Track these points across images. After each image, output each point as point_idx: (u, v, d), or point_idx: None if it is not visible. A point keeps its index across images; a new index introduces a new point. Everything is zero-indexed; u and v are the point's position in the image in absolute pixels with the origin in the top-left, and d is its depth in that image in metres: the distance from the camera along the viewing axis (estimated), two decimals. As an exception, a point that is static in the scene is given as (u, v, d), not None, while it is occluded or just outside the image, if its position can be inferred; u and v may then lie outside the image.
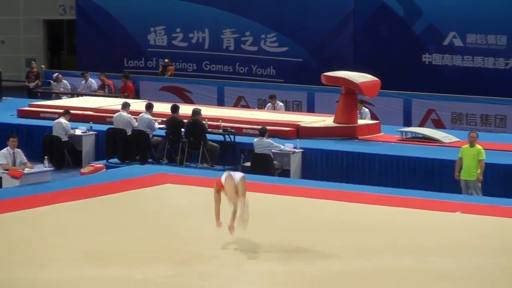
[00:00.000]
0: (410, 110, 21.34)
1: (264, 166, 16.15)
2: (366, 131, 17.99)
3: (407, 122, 20.97)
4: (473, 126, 20.48)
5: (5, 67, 25.41)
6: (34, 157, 16.40)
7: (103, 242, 11.03)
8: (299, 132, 17.84)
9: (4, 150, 14.86)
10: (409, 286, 9.64)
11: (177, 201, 13.21)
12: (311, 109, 21.96)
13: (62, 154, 17.87)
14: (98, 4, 26.28)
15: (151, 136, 17.75)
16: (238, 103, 23.02)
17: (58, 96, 23.44)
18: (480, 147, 14.83)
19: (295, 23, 24.00)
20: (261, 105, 22.17)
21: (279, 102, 20.42)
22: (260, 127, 16.91)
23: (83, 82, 23.81)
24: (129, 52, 26.02)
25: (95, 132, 18.34)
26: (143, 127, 17.74)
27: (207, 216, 12.20)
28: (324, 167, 16.54)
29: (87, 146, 18.21)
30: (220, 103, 23.00)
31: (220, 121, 17.87)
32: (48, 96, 23.62)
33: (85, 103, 20.59)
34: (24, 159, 14.95)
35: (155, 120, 17.90)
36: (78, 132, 18.25)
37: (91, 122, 18.67)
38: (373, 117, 19.95)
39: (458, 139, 17.13)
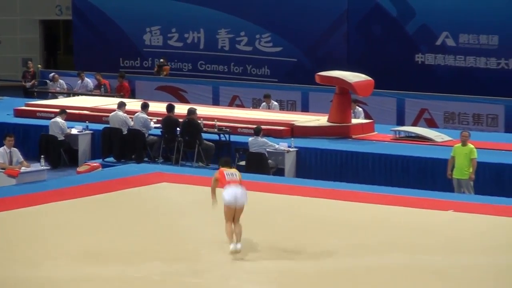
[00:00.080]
0: (403, 110, 21.36)
1: (258, 165, 16.15)
2: (360, 130, 18.00)
3: (400, 122, 20.98)
4: (465, 125, 20.51)
5: (1, 67, 25.39)
6: (30, 156, 16.38)
7: (100, 240, 11.02)
8: (294, 131, 17.85)
9: (1, 149, 14.84)
10: (402, 284, 9.66)
11: (173, 199, 13.21)
12: (305, 109, 21.96)
13: (59, 153, 17.85)
14: (94, 4, 26.25)
15: (146, 135, 17.73)
16: (233, 103, 23.01)
17: (54, 95, 23.40)
18: (472, 146, 14.85)
19: (290, 23, 23.99)
20: (255, 105, 22.16)
21: (273, 101, 20.41)
22: (255, 126, 16.91)
23: (79, 81, 23.78)
24: (125, 52, 25.99)
25: (91, 131, 18.32)
26: (139, 126, 17.72)
27: (202, 215, 12.21)
28: (318, 166, 16.54)
29: (83, 145, 18.19)
30: (215, 102, 22.98)
31: (215, 120, 17.86)
32: (45, 95, 23.58)
33: (81, 102, 20.57)
34: (21, 158, 14.93)
35: (150, 119, 17.88)
36: (74, 131, 18.23)
37: (87, 122, 18.65)
38: (367, 116, 19.96)
39: (450, 138, 17.16)
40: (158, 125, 17.78)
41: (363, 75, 18.13)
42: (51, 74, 24.33)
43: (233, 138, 17.47)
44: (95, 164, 16.75)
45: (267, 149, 16.45)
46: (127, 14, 25.95)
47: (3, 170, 14.65)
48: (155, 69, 25.07)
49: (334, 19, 23.54)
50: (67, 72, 25.60)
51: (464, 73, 22.28)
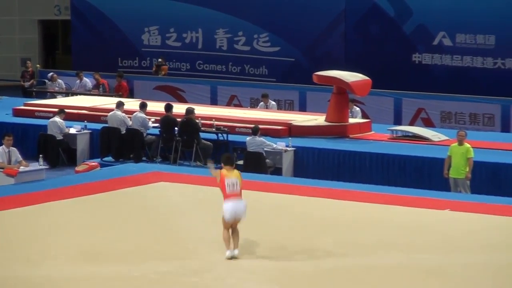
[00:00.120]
0: (401, 109, 21.38)
1: (256, 164, 16.16)
2: (357, 130, 18.02)
3: (398, 121, 21.00)
4: (462, 124, 20.53)
5: (0, 67, 25.37)
6: (29, 155, 16.38)
7: (98, 239, 11.03)
8: (291, 130, 17.86)
9: (0, 149, 14.84)
10: (399, 282, 9.68)
11: (171, 199, 13.21)
12: (303, 108, 21.97)
13: (57, 153, 17.85)
14: (92, 4, 26.25)
15: (145, 134, 17.74)
16: (231, 102, 23.03)
17: (53, 95, 23.41)
18: (468, 145, 14.87)
19: (287, 23, 24.01)
20: (253, 104, 22.17)
21: (271, 101, 20.43)
22: (252, 125, 16.92)
23: (78, 81, 23.78)
24: (124, 51, 25.99)
25: (89, 131, 18.32)
26: (137, 126, 17.73)
27: (200, 214, 12.22)
28: (316, 165, 16.56)
29: (82, 145, 18.20)
30: (213, 102, 22.99)
31: (213, 120, 17.87)
32: (43, 95, 23.58)
33: (80, 102, 20.57)
34: (19, 158, 14.93)
35: (149, 119, 17.89)
36: (72, 130, 18.23)
37: (85, 121, 18.65)
38: (364, 116, 19.98)
39: (447, 138, 17.18)
40: (156, 124, 17.79)
41: (361, 75, 18.15)
42: (50, 74, 24.33)
43: (231, 137, 17.48)
44: (93, 164, 16.76)
45: (265, 149, 16.46)
46: (125, 14, 25.96)
47: (2, 170, 14.66)
48: (154, 69, 25.07)
49: (331, 19, 23.56)
50: (65, 71, 25.59)
51: (461, 72, 22.30)
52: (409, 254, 10.57)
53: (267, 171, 16.20)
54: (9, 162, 14.80)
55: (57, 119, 17.97)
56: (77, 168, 16.72)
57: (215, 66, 25.07)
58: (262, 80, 23.99)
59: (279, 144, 16.75)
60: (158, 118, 17.90)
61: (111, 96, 22.38)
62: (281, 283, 9.62)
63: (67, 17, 27.96)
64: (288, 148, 16.72)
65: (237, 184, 10.30)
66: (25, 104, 20.45)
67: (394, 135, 17.81)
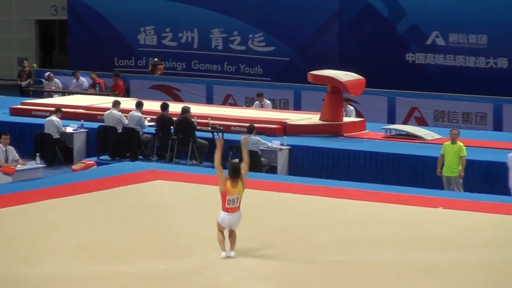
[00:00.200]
0: (394, 108, 21.39)
1: (251, 162, 16.01)
2: (351, 129, 18.03)
3: (391, 120, 21.01)
4: (455, 123, 20.55)
5: (-2, 66, 25.36)
6: (26, 154, 16.35)
7: (94, 237, 11.02)
8: (286, 129, 17.86)
9: (-3, 148, 14.83)
10: (393, 279, 9.68)
11: (167, 197, 13.20)
12: (297, 107, 21.97)
13: (54, 151, 17.82)
14: (89, 4, 26.21)
15: (141, 133, 17.73)
16: (226, 101, 23.02)
17: (49, 94, 23.37)
18: (461, 144, 14.88)
19: (282, 23, 24.00)
20: (248, 103, 22.17)
21: (266, 100, 20.43)
22: (248, 124, 16.91)
23: (74, 80, 23.75)
24: (120, 51, 25.96)
25: (86, 130, 18.30)
26: (133, 125, 17.71)
27: (196, 212, 12.21)
28: (311, 163, 16.56)
29: (78, 143, 18.17)
30: (209, 101, 22.98)
31: (209, 118, 17.86)
32: (40, 94, 23.55)
33: (76, 101, 20.54)
34: (16, 156, 14.91)
35: (145, 118, 17.88)
36: (69, 129, 18.21)
37: (82, 120, 18.64)
38: (358, 114, 19.99)
39: (440, 136, 17.19)
40: (152, 123, 17.78)
41: (355, 74, 18.15)
42: (47, 73, 24.29)
43: (227, 136, 17.45)
44: (90, 162, 16.74)
45: (260, 147, 16.46)
46: (121, 14, 25.93)
47: (-1, 168, 14.64)
48: (149, 68, 25.05)
49: (326, 19, 23.56)
50: (62, 71, 25.55)
51: (453, 72, 22.33)
52: (402, 251, 10.58)
53: (262, 169, 16.19)
54: (6, 160, 14.78)
55: (54, 118, 17.94)
56: (74, 167, 16.70)
57: (211, 65, 25.06)
58: (257, 79, 23.99)
59: (274, 143, 16.74)
60: (154, 117, 17.88)
61: (108, 95, 22.36)
62: (277, 280, 9.61)
63: (63, 17, 27.92)
64: (283, 147, 16.71)
65: (237, 200, 10.21)
66: (22, 103, 20.41)
67: (388, 134, 17.82)
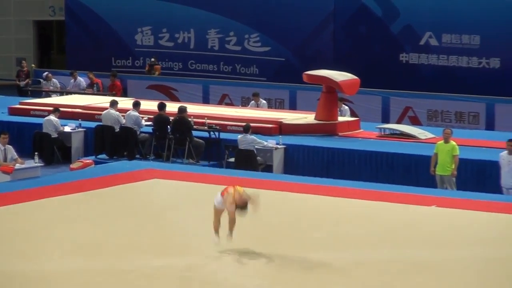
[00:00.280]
0: (388, 108, 21.42)
1: (248, 161, 16.17)
2: (346, 128, 18.05)
3: (385, 119, 21.04)
4: (448, 123, 20.59)
5: (-4, 66, 25.33)
6: (24, 153, 16.35)
7: (92, 235, 11.03)
8: (282, 128, 17.87)
9: (-4, 147, 14.83)
10: (387, 276, 9.70)
11: (164, 195, 13.21)
12: (293, 107, 21.99)
13: (52, 150, 17.82)
14: (86, 5, 26.20)
15: (138, 132, 17.73)
16: (222, 101, 23.03)
17: (48, 94, 23.36)
18: (454, 143, 14.91)
19: (278, 23, 24.02)
20: (244, 103, 22.18)
21: (262, 100, 20.44)
22: (244, 124, 16.93)
23: (72, 80, 23.73)
24: (117, 51, 25.96)
25: (84, 129, 18.30)
26: (131, 124, 17.71)
27: (192, 210, 12.23)
28: (306, 162, 16.58)
29: (76, 143, 18.17)
30: (205, 101, 22.99)
31: (205, 118, 17.87)
32: (38, 94, 23.54)
33: (74, 101, 20.54)
34: (15, 155, 14.91)
35: (142, 117, 17.88)
36: (67, 129, 18.21)
37: (80, 119, 18.64)
38: (353, 114, 20.02)
39: (433, 136, 17.22)
40: (150, 123, 17.79)
41: (349, 74, 18.17)
42: (45, 73, 24.28)
43: (223, 135, 17.48)
44: (88, 161, 16.73)
45: (256, 146, 16.48)
46: (119, 15, 25.92)
47: (-2, 167, 14.64)
48: (147, 68, 25.05)
49: (321, 19, 23.58)
50: (60, 71, 25.54)
51: (446, 72, 22.37)
52: (396, 249, 10.60)
53: (258, 168, 16.21)
54: (5, 159, 14.78)
55: (52, 117, 17.94)
56: (72, 166, 16.69)
57: (207, 65, 25.07)
58: (253, 79, 24.00)
59: (270, 142, 16.76)
60: (151, 116, 17.88)
61: (105, 95, 22.35)
62: (272, 277, 9.63)
63: (61, 18, 27.90)
64: (279, 146, 16.73)
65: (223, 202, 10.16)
66: (21, 103, 20.40)
67: (382, 133, 17.85)
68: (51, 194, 13.02)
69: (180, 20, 25.19)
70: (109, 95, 22.24)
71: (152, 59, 24.92)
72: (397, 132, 17.77)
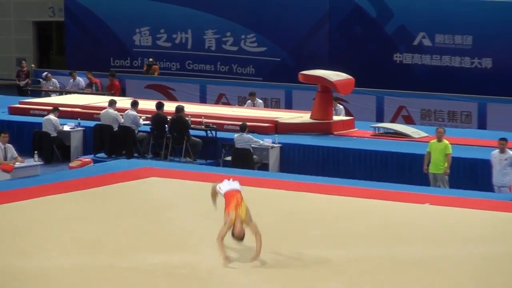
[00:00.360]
0: (382, 107, 21.43)
1: (244, 160, 16.17)
2: (341, 127, 18.06)
3: (380, 118, 21.05)
4: (441, 122, 20.60)
5: (-4, 66, 25.31)
6: (24, 152, 16.34)
7: (91, 232, 11.01)
8: (278, 128, 17.88)
9: (-4, 146, 14.81)
10: (382, 273, 9.70)
11: (162, 193, 13.20)
12: (288, 106, 22.00)
13: (51, 149, 17.81)
14: (86, 6, 26.17)
15: (136, 131, 17.72)
16: (219, 100, 23.02)
17: (47, 94, 23.34)
18: (447, 142, 14.93)
19: (274, 24, 24.02)
20: (241, 102, 22.18)
21: (258, 99, 20.44)
22: (240, 123, 16.92)
23: (71, 80, 23.72)
24: (116, 52, 25.94)
25: (83, 128, 18.29)
26: (129, 123, 17.70)
27: (190, 208, 12.22)
28: (301, 161, 16.58)
29: (75, 141, 18.16)
30: (202, 100, 22.98)
31: (203, 117, 17.86)
32: (38, 94, 23.51)
33: (73, 100, 20.52)
34: (15, 154, 14.89)
35: (140, 116, 17.87)
36: (66, 128, 18.20)
37: (79, 119, 18.63)
38: (348, 113, 20.02)
39: (426, 134, 17.24)
40: (148, 122, 17.78)
41: (344, 74, 18.18)
42: (44, 73, 24.25)
43: (220, 134, 17.48)
44: (87, 160, 16.73)
45: (252, 145, 16.47)
46: (117, 16, 25.90)
47: (-2, 166, 14.63)
48: (145, 68, 25.03)
49: (316, 20, 23.58)
50: (59, 71, 25.52)
51: (440, 72, 22.39)
52: (391, 246, 10.60)
53: (254, 166, 16.21)
54: (5, 158, 14.76)
55: (51, 116, 17.92)
56: (71, 164, 16.68)
57: (204, 65, 25.06)
58: (249, 79, 24.00)
59: (266, 141, 16.76)
60: (149, 116, 17.87)
61: (104, 94, 22.33)
62: (268, 274, 9.62)
63: (61, 19, 27.87)
64: (275, 145, 16.73)
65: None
66: (21, 103, 20.38)
67: (376, 132, 17.86)
68: (50, 192, 13.00)
69: (177, 21, 25.17)
70: (107, 94, 22.22)
71: (150, 59, 24.91)
72: (391, 131, 17.77)
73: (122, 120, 17.78)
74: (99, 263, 9.84)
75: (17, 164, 14.71)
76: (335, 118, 18.35)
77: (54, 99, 21.38)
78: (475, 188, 14.35)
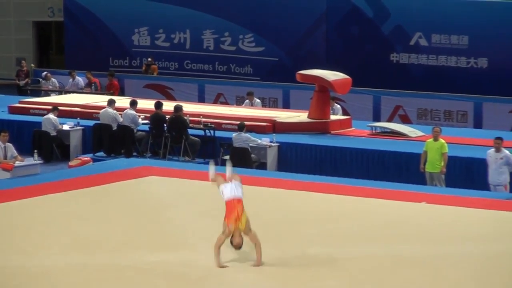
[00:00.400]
0: (379, 106, 21.43)
1: (242, 159, 16.16)
2: (338, 126, 18.05)
3: (376, 118, 21.06)
4: (437, 121, 20.61)
5: (-4, 66, 25.29)
6: (24, 151, 16.32)
7: (90, 231, 11.00)
8: (275, 127, 17.87)
9: (-4, 145, 14.79)
10: (380, 271, 9.70)
11: (160, 192, 13.19)
12: (286, 106, 21.99)
13: (51, 148, 17.79)
14: (85, 6, 26.15)
15: (135, 131, 17.71)
16: (217, 100, 23.01)
17: (47, 93, 23.32)
18: (443, 141, 14.93)
19: (271, 24, 24.02)
20: (239, 102, 22.17)
21: (256, 98, 20.43)
22: (238, 122, 16.92)
23: (71, 80, 23.70)
24: (115, 51, 25.91)
25: (82, 127, 18.27)
26: (128, 123, 17.69)
27: (188, 206, 12.21)
28: (299, 160, 16.58)
29: (75, 141, 18.14)
30: (201, 99, 22.97)
31: (201, 116, 17.86)
32: (38, 93, 23.49)
33: (73, 100, 20.50)
34: (15, 153, 14.88)
35: (139, 116, 17.86)
36: (66, 127, 18.19)
37: (78, 118, 18.61)
38: (345, 113, 20.03)
39: (423, 134, 17.24)
40: (146, 121, 17.77)
41: (341, 74, 18.18)
42: (44, 73, 24.23)
43: (218, 133, 17.48)
44: (86, 159, 16.71)
45: (250, 144, 16.47)
46: (116, 16, 25.87)
47: (-2, 165, 14.60)
48: (143, 68, 25.02)
49: (313, 20, 23.58)
50: (59, 71, 25.49)
51: (436, 71, 22.39)
52: (388, 244, 10.60)
53: (252, 165, 16.20)
54: (5, 157, 14.74)
55: (51, 116, 17.91)
56: (70, 163, 16.67)
57: (202, 65, 25.04)
58: (247, 78, 23.99)
59: (264, 140, 16.76)
60: (148, 115, 17.86)
61: (103, 94, 22.31)
62: (267, 272, 9.62)
63: (60, 19, 27.84)
64: (272, 144, 16.73)
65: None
66: (20, 102, 20.36)
67: (373, 131, 17.85)
68: (50, 191, 12.98)
69: (176, 21, 25.16)
70: (106, 94, 22.20)
71: (149, 59, 24.89)
72: (388, 130, 17.77)
73: (121, 119, 17.77)
74: (98, 262, 9.83)
75: (17, 163, 14.69)
76: (333, 117, 18.35)
77: (54, 98, 21.36)
78: (471, 186, 14.36)
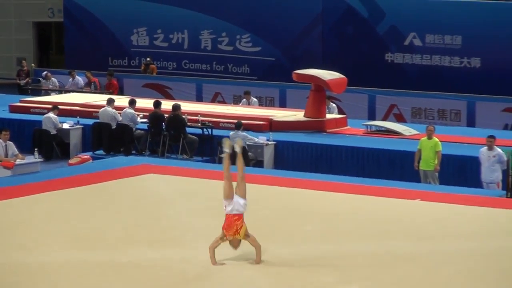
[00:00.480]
0: (374, 105, 21.44)
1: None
2: (334, 125, 18.06)
3: (372, 116, 21.06)
4: (431, 120, 20.62)
5: (-3, 66, 25.27)
6: (24, 149, 16.29)
7: (89, 228, 11.00)
8: (272, 125, 17.87)
9: (-3, 143, 14.77)
10: (373, 268, 9.70)
11: (159, 189, 13.19)
12: (283, 105, 21.99)
13: (51, 146, 17.77)
14: (84, 7, 26.12)
15: (134, 129, 17.70)
16: (215, 99, 23.01)
17: (47, 92, 23.30)
18: (437, 139, 14.94)
19: (268, 24, 24.01)
20: (236, 101, 22.15)
21: (253, 98, 20.43)
22: (235, 121, 16.92)
23: (71, 79, 23.68)
24: (114, 51, 25.90)
25: (82, 126, 18.26)
26: (127, 121, 17.68)
27: (187, 204, 12.21)
28: (295, 158, 16.58)
29: (75, 139, 18.13)
30: (199, 99, 22.97)
31: (199, 115, 17.85)
32: (38, 92, 23.47)
33: (73, 99, 20.48)
34: (16, 151, 14.86)
35: (137, 114, 17.85)
36: (66, 126, 18.17)
37: (78, 117, 18.59)
38: (340, 111, 20.03)
39: (417, 132, 17.25)
40: (145, 120, 17.76)
41: (337, 73, 18.18)
42: (44, 73, 24.21)
43: (216, 132, 17.47)
44: (85, 157, 16.70)
45: (247, 142, 16.46)
46: (115, 16, 25.85)
47: (-1, 163, 14.59)
48: (142, 68, 25.01)
49: (309, 20, 23.58)
50: (59, 70, 25.47)
51: (430, 71, 22.40)
52: (382, 241, 10.61)
53: (249, 163, 16.19)
54: (6, 155, 14.72)
55: (51, 115, 17.89)
56: (70, 161, 16.65)
57: (200, 65, 25.04)
58: (244, 78, 23.99)
59: (261, 138, 16.76)
60: (147, 114, 17.85)
61: (102, 93, 22.29)
62: (264, 268, 9.62)
63: (60, 19, 27.82)
64: (269, 142, 16.73)
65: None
66: (21, 101, 20.34)
67: (369, 130, 17.86)
68: (50, 189, 12.98)
69: (174, 21, 25.14)
70: (106, 93, 22.18)
71: (148, 59, 24.88)
72: (383, 128, 17.78)
73: (120, 118, 17.75)
74: (98, 258, 9.82)
75: (18, 161, 14.67)
76: (328, 116, 18.35)
77: (54, 97, 21.34)
78: (464, 184, 14.37)
